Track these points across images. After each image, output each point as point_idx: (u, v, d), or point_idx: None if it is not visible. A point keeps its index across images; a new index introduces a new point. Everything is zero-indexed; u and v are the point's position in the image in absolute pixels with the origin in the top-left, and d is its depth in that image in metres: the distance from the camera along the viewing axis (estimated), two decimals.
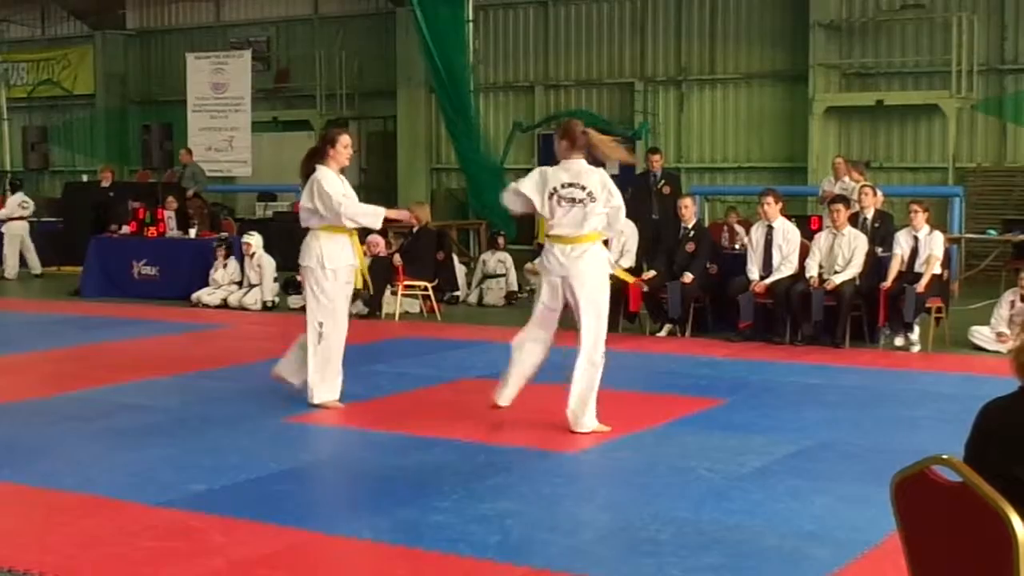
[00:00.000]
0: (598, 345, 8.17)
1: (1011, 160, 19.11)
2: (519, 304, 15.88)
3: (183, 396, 9.69)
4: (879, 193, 15.25)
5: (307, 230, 9.02)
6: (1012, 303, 11.94)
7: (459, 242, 20.48)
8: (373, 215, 9.00)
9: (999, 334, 11.70)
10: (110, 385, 10.17)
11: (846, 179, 16.48)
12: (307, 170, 8.95)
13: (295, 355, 9.19)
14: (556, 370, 10.95)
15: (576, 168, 8.24)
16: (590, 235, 8.20)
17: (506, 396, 8.59)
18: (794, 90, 20.47)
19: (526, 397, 9.61)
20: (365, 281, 9.38)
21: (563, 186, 8.18)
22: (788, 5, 20.58)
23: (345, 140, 9.00)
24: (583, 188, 8.16)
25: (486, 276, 16.64)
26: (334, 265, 8.85)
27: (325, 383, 8.98)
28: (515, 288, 16.63)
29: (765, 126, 21.05)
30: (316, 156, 8.97)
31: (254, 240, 15.83)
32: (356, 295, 14.52)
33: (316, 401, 8.97)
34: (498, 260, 16.97)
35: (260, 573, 5.46)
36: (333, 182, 8.85)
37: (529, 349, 8.49)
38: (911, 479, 3.45)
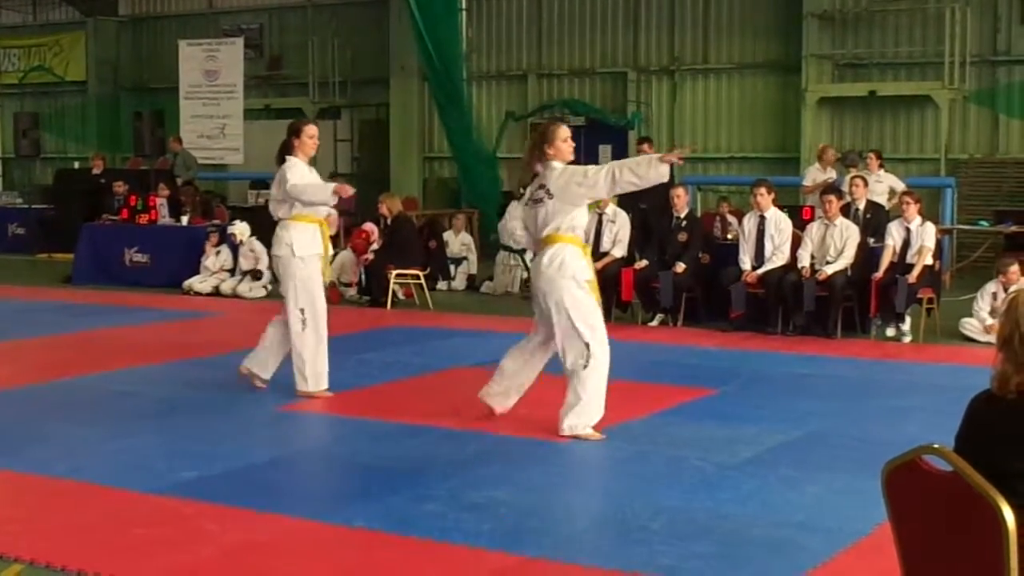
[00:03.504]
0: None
1: (1003, 152, 19.11)
2: (488, 291, 15.94)
3: (175, 384, 9.69)
4: (902, 185, 15.34)
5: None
6: (994, 295, 11.96)
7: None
8: (320, 189, 8.98)
9: (988, 326, 11.70)
10: (102, 372, 10.16)
11: (829, 170, 16.55)
12: (279, 163, 9.08)
13: (266, 350, 9.18)
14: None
15: (544, 170, 7.88)
16: (553, 236, 7.76)
17: (498, 401, 8.36)
18: (787, 81, 20.46)
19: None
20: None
21: (535, 190, 7.91)
22: None
23: (310, 131, 9.11)
24: (542, 187, 7.82)
25: (450, 260, 16.62)
26: (304, 253, 8.92)
27: (313, 371, 8.99)
28: (475, 272, 16.67)
29: (758, 116, 21.03)
30: (284, 149, 9.07)
31: (238, 230, 15.80)
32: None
33: (304, 390, 8.97)
34: (461, 243, 16.94)
35: (252, 560, 5.47)
36: (298, 172, 8.96)
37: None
38: (902, 469, 3.46)
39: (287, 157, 9.02)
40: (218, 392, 9.31)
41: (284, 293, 9.06)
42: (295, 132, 9.08)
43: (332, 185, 8.97)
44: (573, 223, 7.79)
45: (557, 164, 7.83)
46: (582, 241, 7.97)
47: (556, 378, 9.71)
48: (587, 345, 7.65)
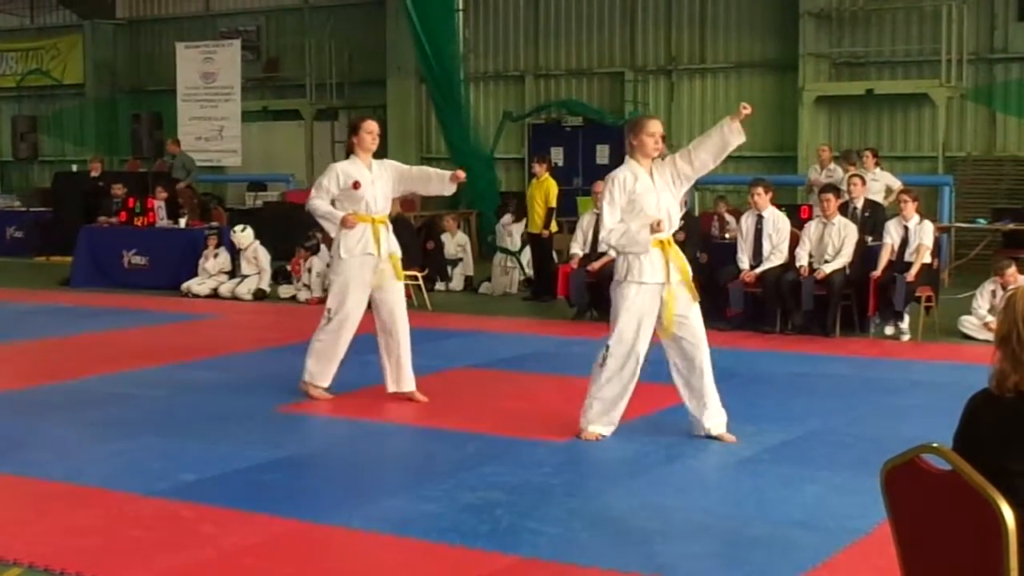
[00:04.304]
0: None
1: (1000, 149, 19.12)
2: (487, 292, 15.94)
3: (173, 386, 9.67)
4: (898, 183, 15.36)
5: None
6: (993, 293, 11.96)
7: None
8: (325, 219, 8.94)
9: (987, 323, 11.69)
10: (100, 375, 10.15)
11: (832, 166, 16.55)
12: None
13: (387, 366, 9.08)
14: (545, 359, 10.98)
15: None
16: None
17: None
18: (784, 79, 20.46)
19: (516, 386, 9.63)
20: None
21: None
22: None
23: (368, 127, 9.06)
24: None
25: (447, 261, 16.62)
26: (348, 254, 8.83)
27: (319, 370, 8.97)
28: (471, 273, 16.67)
29: (755, 115, 20.58)
30: (348, 148, 9.12)
31: (243, 237, 15.75)
32: None
33: (304, 380, 8.96)
34: (457, 244, 16.94)
35: (250, 562, 5.46)
36: (326, 177, 8.92)
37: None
38: (901, 467, 3.45)
39: (350, 155, 9.03)
40: (216, 394, 9.30)
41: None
42: (354, 129, 9.09)
43: (340, 215, 8.83)
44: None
45: (630, 162, 7.60)
46: (659, 239, 7.57)
47: (554, 377, 9.72)
48: (607, 347, 7.61)
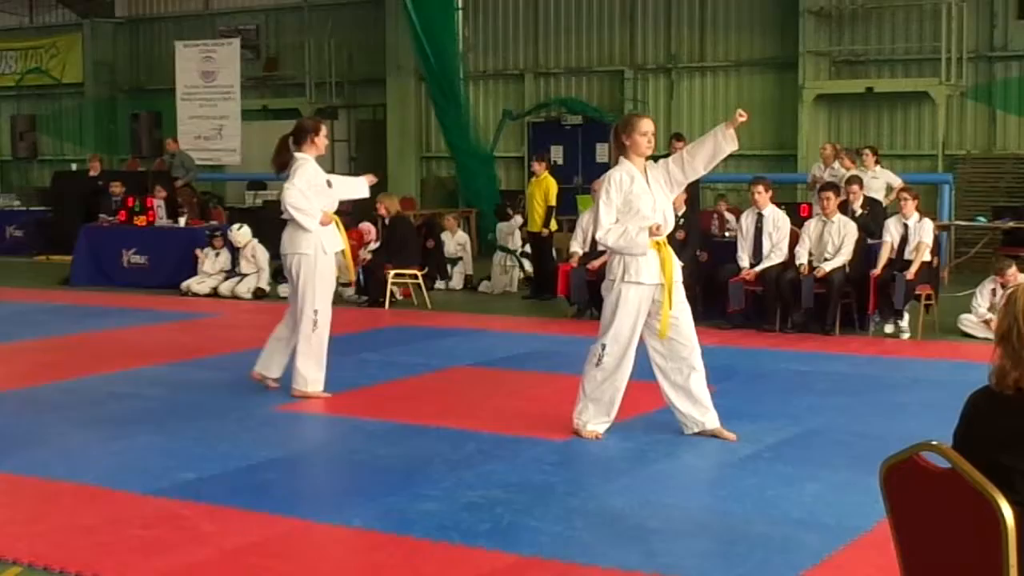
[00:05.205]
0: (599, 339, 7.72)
1: (1000, 147, 19.12)
2: (486, 291, 15.94)
3: (173, 385, 9.67)
4: (898, 180, 15.36)
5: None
6: (993, 291, 11.97)
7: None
8: (306, 217, 8.89)
9: (987, 321, 11.68)
10: (100, 374, 10.15)
11: (835, 165, 16.52)
12: (286, 158, 9.01)
13: (272, 349, 9.17)
14: (545, 358, 10.98)
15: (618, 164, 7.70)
16: None
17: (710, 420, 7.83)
18: (784, 78, 20.46)
19: (516, 384, 9.63)
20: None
21: None
22: None
23: (326, 131, 9.18)
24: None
25: (447, 260, 16.62)
26: (331, 251, 8.87)
27: (316, 372, 8.97)
28: (471, 271, 16.68)
29: (755, 114, 20.80)
30: (296, 144, 9.00)
31: (240, 235, 15.75)
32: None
33: (302, 391, 8.95)
34: (457, 243, 16.94)
35: (250, 561, 5.46)
36: (308, 171, 8.93)
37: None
38: (900, 465, 3.45)
39: (297, 155, 8.96)
40: (216, 393, 9.30)
41: (301, 292, 8.98)
42: (315, 130, 9.04)
43: (319, 212, 8.88)
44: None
45: (625, 162, 7.55)
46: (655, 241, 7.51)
47: (554, 376, 9.71)
48: (603, 346, 7.61)
